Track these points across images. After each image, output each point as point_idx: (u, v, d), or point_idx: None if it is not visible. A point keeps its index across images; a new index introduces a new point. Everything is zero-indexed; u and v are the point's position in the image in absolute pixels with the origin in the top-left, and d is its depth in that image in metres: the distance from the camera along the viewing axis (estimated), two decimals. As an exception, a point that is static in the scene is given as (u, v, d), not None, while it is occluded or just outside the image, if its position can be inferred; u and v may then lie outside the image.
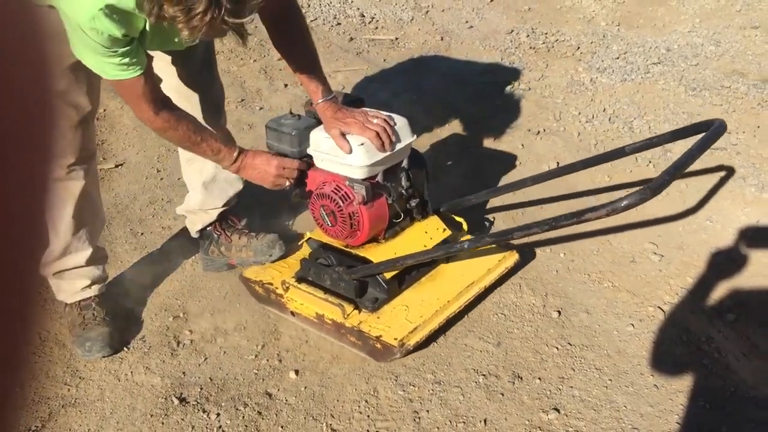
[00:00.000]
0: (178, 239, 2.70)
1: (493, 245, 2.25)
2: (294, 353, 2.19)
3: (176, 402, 2.03)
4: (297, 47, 2.09)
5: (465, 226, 2.39)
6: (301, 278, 2.26)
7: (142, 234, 2.74)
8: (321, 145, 2.07)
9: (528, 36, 4.18)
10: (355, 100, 2.21)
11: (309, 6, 4.52)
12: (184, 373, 2.14)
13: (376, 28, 4.37)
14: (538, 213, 2.75)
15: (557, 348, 2.15)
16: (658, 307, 2.27)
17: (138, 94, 1.82)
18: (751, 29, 4.05)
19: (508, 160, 3.08)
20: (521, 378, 2.05)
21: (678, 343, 2.15)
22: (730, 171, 2.91)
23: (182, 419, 1.99)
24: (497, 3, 4.66)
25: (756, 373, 2.04)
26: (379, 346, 2.03)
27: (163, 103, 1.89)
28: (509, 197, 2.77)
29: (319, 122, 2.12)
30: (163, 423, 1.98)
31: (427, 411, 1.97)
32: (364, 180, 2.03)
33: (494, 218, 2.74)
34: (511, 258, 2.32)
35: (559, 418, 1.93)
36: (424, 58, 4.03)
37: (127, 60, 1.74)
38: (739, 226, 2.61)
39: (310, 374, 2.11)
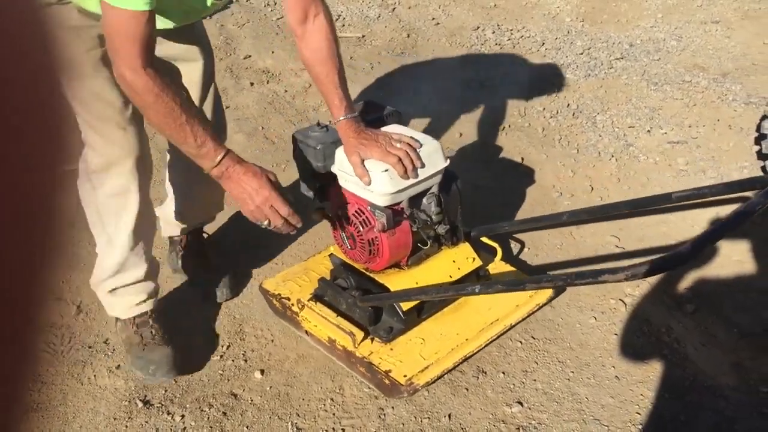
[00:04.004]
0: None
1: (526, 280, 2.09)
2: (259, 353, 2.19)
3: (140, 404, 2.02)
4: (320, 57, 1.89)
5: (499, 253, 2.24)
6: (318, 297, 2.16)
7: (105, 236, 2.71)
8: (345, 166, 1.92)
9: (494, 32, 4.21)
10: (388, 114, 2.09)
11: (275, 4, 4.50)
12: (148, 375, 2.12)
13: (343, 25, 4.36)
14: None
15: (521, 342, 2.17)
16: (620, 300, 2.30)
17: (132, 33, 1.54)
18: (711, 24, 4.12)
19: (473, 156, 3.10)
20: (485, 372, 2.07)
21: (639, 335, 2.19)
22: (690, 164, 2.96)
23: (146, 422, 1.98)
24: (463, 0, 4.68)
25: (714, 362, 2.08)
26: (387, 381, 1.92)
27: (152, 61, 1.61)
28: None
29: None
30: (126, 426, 1.97)
31: (392, 408, 1.98)
32: (386, 207, 1.91)
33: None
34: (544, 294, 2.17)
35: (522, 411, 1.96)
36: (390, 55, 4.04)
37: None
38: (699, 219, 2.66)
39: (276, 374, 2.11)
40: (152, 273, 2.12)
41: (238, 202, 1.75)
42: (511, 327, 2.10)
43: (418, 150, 1.88)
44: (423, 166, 1.88)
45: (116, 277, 2.04)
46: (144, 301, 2.10)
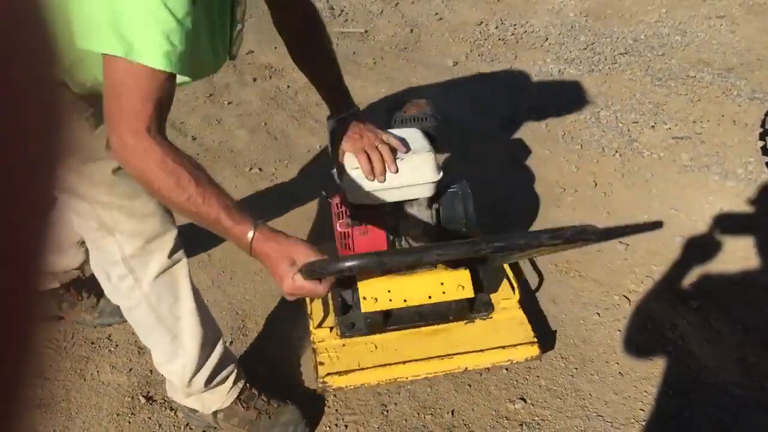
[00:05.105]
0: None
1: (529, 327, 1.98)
2: (262, 349, 2.18)
3: (143, 400, 2.02)
4: (320, 61, 1.80)
5: (516, 294, 2.05)
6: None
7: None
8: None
9: (497, 27, 4.19)
10: (423, 117, 1.96)
11: (278, -1, 4.48)
12: (150, 371, 2.12)
13: (346, 20, 4.35)
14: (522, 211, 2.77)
15: (524, 338, 2.17)
16: (624, 296, 2.30)
17: (145, 92, 1.23)
18: (716, 18, 4.10)
19: (476, 152, 3.09)
20: (488, 369, 2.07)
21: (643, 331, 2.18)
22: (694, 159, 2.95)
23: (149, 418, 1.98)
24: (467, -5, 4.67)
25: (717, 358, 2.08)
26: (315, 370, 1.92)
27: (164, 130, 1.29)
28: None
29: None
30: (129, 422, 1.97)
31: (395, 404, 1.98)
32: (357, 205, 1.85)
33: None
34: (526, 352, 1.94)
35: (525, 407, 1.95)
36: (393, 50, 4.02)
37: (175, 40, 1.21)
38: (703, 215, 2.65)
39: (278, 370, 2.11)
40: (222, 336, 1.87)
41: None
42: (466, 370, 1.95)
43: (402, 157, 1.78)
44: (396, 171, 1.77)
45: (204, 369, 1.79)
46: (237, 376, 1.88)
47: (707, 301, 2.27)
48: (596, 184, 2.85)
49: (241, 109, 3.46)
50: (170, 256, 1.66)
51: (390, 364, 1.90)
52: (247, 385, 1.91)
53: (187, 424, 1.95)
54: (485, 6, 4.49)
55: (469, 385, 2.02)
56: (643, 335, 2.16)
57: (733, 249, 2.47)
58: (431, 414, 1.95)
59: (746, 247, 2.48)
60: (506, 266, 2.15)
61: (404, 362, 1.91)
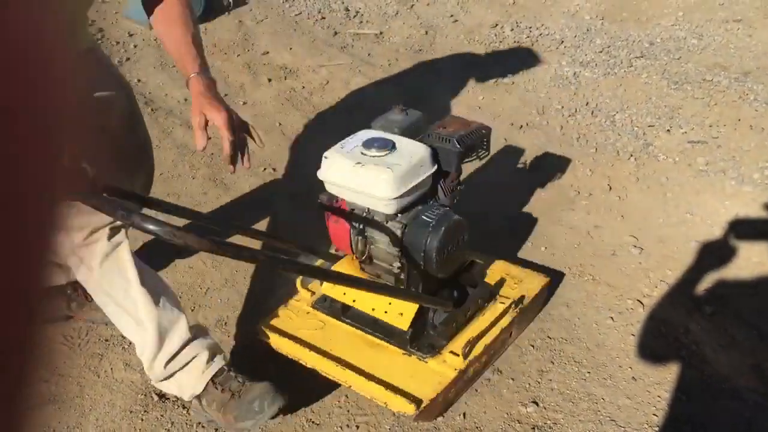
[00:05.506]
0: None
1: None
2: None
3: (156, 398, 2.03)
4: (170, 18, 1.76)
5: (461, 361, 1.88)
6: None
7: (123, 230, 2.73)
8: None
9: (512, 30, 4.19)
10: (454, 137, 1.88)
11: (293, 0, 4.50)
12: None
13: (361, 22, 4.36)
14: (523, 211, 2.76)
15: (537, 341, 2.16)
16: (638, 300, 2.28)
17: None
18: (733, 22, 4.07)
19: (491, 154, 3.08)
20: (501, 372, 2.06)
21: (656, 335, 2.17)
22: (710, 164, 2.93)
23: (161, 415, 1.99)
24: (482, -3, 4.66)
25: (732, 364, 2.06)
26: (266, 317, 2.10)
27: None
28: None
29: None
30: (142, 419, 1.98)
31: (407, 405, 1.97)
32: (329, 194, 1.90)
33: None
34: (402, 405, 1.79)
35: (537, 411, 1.95)
36: (408, 52, 4.03)
37: None
38: (718, 219, 2.63)
39: (290, 369, 2.10)
40: (197, 328, 1.89)
41: None
42: (350, 387, 1.92)
43: (363, 162, 1.75)
44: (249, 168, 1.79)
45: (165, 348, 1.79)
46: (211, 358, 1.86)
47: (721, 306, 2.25)
48: (611, 188, 2.84)
49: (256, 110, 3.48)
50: (110, 239, 1.73)
51: (308, 346, 1.98)
52: (225, 367, 1.89)
53: (199, 423, 1.96)
54: (500, 8, 4.49)
55: (481, 388, 2.01)
56: (656, 340, 2.15)
57: (749, 254, 2.45)
58: (442, 416, 1.94)
59: (761, 252, 2.46)
60: (480, 326, 2.01)
61: (317, 350, 1.97)
